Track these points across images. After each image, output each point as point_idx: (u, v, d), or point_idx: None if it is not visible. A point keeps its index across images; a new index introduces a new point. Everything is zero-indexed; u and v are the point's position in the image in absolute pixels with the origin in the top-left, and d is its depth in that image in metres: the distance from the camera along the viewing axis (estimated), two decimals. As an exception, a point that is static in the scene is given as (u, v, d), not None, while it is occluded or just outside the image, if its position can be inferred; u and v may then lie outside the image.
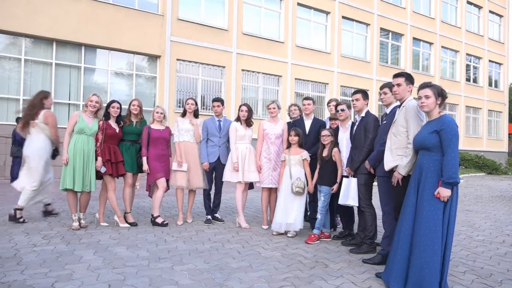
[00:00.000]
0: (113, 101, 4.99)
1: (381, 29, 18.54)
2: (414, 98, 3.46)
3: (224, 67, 13.96)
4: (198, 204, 6.62)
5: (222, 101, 5.47)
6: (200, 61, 13.42)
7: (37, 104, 5.05)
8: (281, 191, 4.78)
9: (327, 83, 16.68)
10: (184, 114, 5.41)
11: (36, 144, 4.94)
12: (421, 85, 3.09)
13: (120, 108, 5.00)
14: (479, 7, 23.28)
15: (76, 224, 4.70)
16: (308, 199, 5.13)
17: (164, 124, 5.24)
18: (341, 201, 4.28)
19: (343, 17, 17.16)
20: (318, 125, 5.18)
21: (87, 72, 11.79)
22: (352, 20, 17.55)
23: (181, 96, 13.11)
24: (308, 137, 5.10)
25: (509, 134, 25.33)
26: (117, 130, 4.96)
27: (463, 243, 4.63)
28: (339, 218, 5.14)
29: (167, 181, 5.14)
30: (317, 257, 3.86)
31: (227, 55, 13.98)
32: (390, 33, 19.04)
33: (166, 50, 12.69)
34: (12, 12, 10.35)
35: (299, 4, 15.86)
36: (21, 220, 4.93)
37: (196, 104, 5.45)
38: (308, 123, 5.23)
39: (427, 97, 2.99)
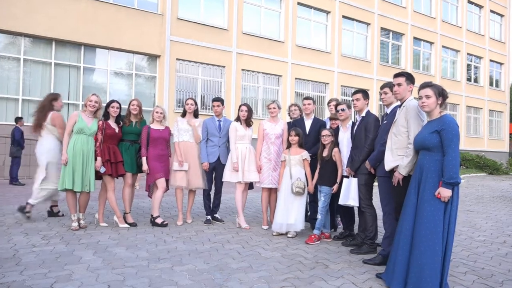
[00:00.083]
0: (112, 101, 4.98)
1: (382, 28, 18.52)
2: (414, 98, 3.44)
3: (224, 66, 13.95)
4: (198, 205, 6.60)
5: (222, 101, 5.45)
6: (200, 60, 13.41)
7: (47, 105, 5.21)
8: (281, 191, 4.76)
9: (328, 83, 16.67)
10: (184, 114, 5.39)
11: (45, 146, 5.08)
12: (422, 84, 3.07)
13: (120, 108, 4.99)
14: (480, 7, 23.26)
15: (75, 224, 4.69)
16: (308, 199, 5.12)
17: (163, 124, 5.23)
18: (342, 201, 4.26)
19: (344, 17, 17.15)
20: (319, 125, 5.16)
21: (86, 71, 11.78)
22: (353, 19, 17.54)
23: (180, 96, 13.10)
24: (308, 137, 5.08)
25: (510, 134, 25.28)
26: (117, 130, 4.94)
27: (464, 243, 4.62)
28: (339, 219, 5.12)
29: (167, 181, 5.13)
30: (318, 258, 3.84)
31: (227, 54, 13.96)
32: (391, 33, 19.03)
33: (165, 50, 12.68)
34: (11, 11, 10.34)
35: (299, 3, 15.85)
36: (28, 215, 5.01)
37: (196, 104, 5.43)
38: (308, 123, 5.21)
39: (427, 97, 2.98)
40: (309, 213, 5.31)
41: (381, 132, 3.85)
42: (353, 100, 4.33)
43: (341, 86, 17.04)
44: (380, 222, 4.14)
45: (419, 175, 2.98)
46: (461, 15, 22.08)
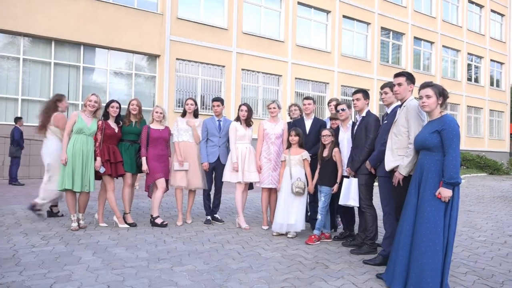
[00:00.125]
0: (112, 101, 4.97)
1: (382, 28, 18.50)
2: (415, 97, 3.43)
3: (224, 66, 13.93)
4: (197, 205, 6.59)
5: (222, 101, 5.44)
6: (199, 60, 13.40)
7: (51, 107, 5.24)
8: (281, 192, 4.75)
9: (328, 83, 16.66)
10: (184, 114, 5.38)
11: (48, 147, 5.14)
12: (422, 84, 3.06)
13: (119, 108, 4.98)
14: (481, 6, 23.24)
15: (75, 224, 4.68)
16: (308, 200, 5.11)
17: (163, 124, 5.22)
18: (342, 201, 4.25)
19: (344, 16, 17.13)
20: (319, 125, 5.15)
21: (86, 71, 11.77)
22: (353, 19, 17.52)
23: (180, 95, 13.09)
24: (309, 137, 5.07)
25: (511, 134, 25.27)
26: (116, 130, 4.93)
27: (464, 243, 4.61)
28: (339, 219, 5.11)
29: (167, 181, 5.12)
30: (318, 258, 3.83)
31: (227, 54, 13.95)
32: (391, 32, 19.01)
33: (165, 50, 12.67)
34: (11, 11, 10.33)
35: (299, 3, 15.83)
36: (39, 213, 5.11)
37: (196, 104, 5.42)
38: (308, 123, 5.20)
39: (428, 96, 2.97)
40: (309, 213, 5.30)
41: (382, 132, 3.84)
42: (353, 100, 4.32)
43: (341, 86, 17.02)
44: (380, 222, 4.14)
45: (420, 175, 2.97)
46: (461, 15, 22.06)
